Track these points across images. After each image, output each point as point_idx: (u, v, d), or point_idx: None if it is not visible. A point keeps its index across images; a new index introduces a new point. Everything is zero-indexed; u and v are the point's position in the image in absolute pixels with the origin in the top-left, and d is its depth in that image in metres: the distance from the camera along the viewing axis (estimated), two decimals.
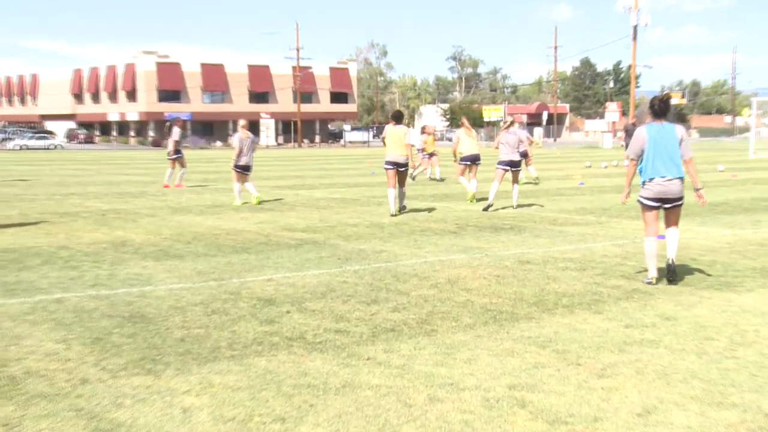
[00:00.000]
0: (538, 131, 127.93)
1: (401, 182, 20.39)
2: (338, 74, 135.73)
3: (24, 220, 19.67)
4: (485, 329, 8.88)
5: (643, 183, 11.60)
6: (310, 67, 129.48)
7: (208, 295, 10.68)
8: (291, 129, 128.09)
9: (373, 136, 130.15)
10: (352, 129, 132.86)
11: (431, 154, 34.27)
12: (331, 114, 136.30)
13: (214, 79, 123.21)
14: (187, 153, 73.56)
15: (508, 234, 16.60)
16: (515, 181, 21.77)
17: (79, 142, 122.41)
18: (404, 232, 16.94)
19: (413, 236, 16.23)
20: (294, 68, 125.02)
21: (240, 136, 23.98)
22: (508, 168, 21.16)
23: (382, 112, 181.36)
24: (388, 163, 20.03)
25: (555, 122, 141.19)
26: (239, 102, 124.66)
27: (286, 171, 43.74)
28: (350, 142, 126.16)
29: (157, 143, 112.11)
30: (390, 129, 20.01)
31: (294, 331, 8.76)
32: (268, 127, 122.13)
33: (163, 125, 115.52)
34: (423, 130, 35.06)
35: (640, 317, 9.52)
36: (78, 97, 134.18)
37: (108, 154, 79.20)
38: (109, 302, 10.20)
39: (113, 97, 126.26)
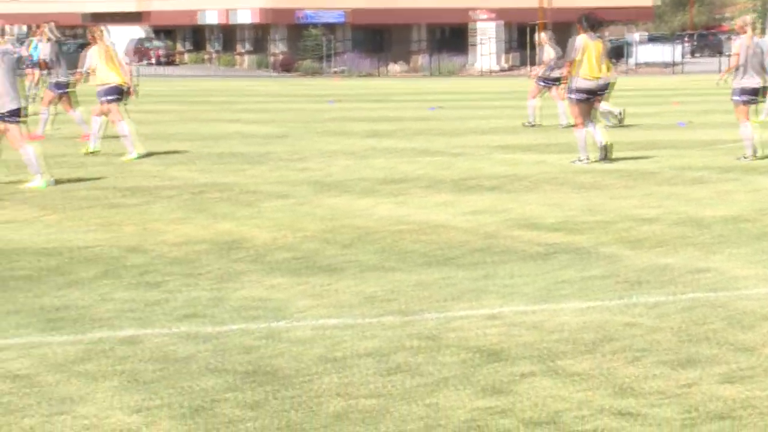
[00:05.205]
0: None
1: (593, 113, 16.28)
2: None
3: (63, 198, 13.16)
4: None
5: None
6: None
7: (384, 339, 6.74)
8: (527, 40, 69.30)
9: (684, 54, 75.44)
10: (649, 39, 76.25)
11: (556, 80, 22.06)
12: (603, 11, 61.85)
13: None
14: (343, 83, 46.37)
15: None
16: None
17: (151, 63, 74.97)
18: (746, 233, 10.21)
19: (766, 242, 9.97)
20: None
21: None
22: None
23: (703, 6, 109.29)
24: (578, 91, 15.75)
25: None
26: None
27: (516, 117, 25.79)
28: (641, 64, 71.55)
29: (288, 64, 72.67)
30: (586, 40, 15.74)
31: (540, 412, 5.36)
32: (485, 36, 74.68)
33: (297, 30, 73.60)
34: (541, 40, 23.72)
35: None
36: None
37: (203, 85, 53.66)
38: (214, 346, 6.53)
39: None
